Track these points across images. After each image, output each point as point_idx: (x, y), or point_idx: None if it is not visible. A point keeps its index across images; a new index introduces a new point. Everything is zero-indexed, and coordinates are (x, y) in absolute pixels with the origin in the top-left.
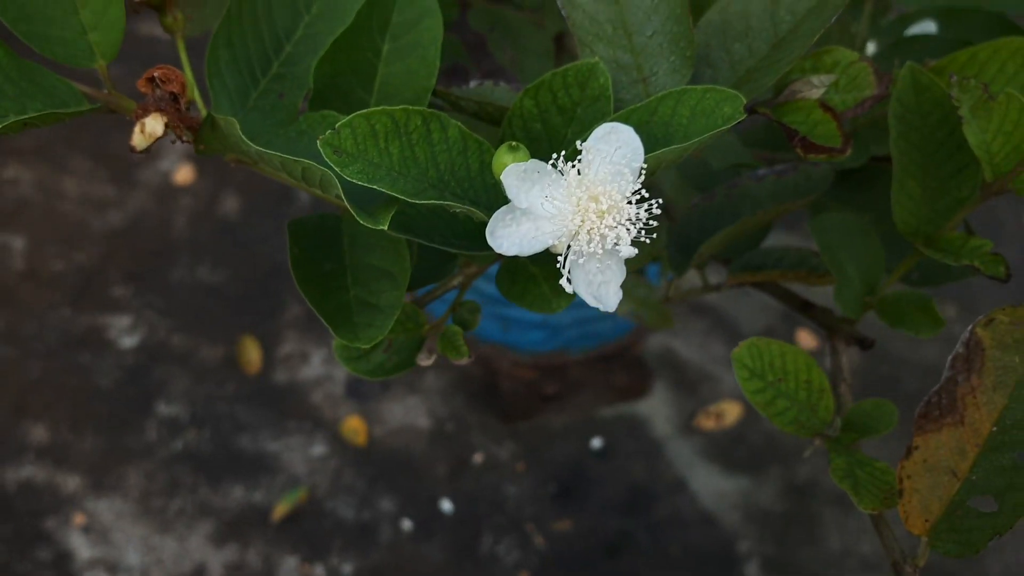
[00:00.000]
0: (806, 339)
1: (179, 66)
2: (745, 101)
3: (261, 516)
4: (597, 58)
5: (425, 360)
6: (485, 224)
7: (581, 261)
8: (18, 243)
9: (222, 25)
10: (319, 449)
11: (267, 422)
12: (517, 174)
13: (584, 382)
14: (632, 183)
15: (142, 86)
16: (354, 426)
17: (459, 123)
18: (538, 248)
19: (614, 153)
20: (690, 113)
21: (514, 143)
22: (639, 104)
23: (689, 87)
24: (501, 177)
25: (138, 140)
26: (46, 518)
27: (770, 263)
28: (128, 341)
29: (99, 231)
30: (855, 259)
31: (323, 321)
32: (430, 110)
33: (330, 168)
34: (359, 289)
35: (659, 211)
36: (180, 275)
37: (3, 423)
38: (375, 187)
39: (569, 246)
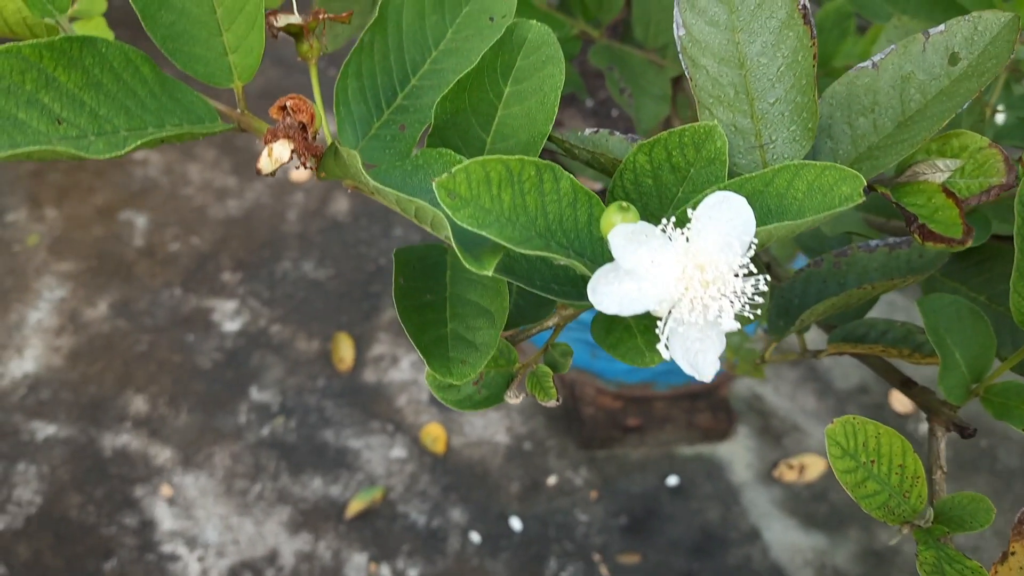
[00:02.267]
0: (900, 401)
1: (310, 91)
2: (865, 182)
3: (336, 511)
4: (715, 121)
5: (513, 398)
6: (586, 276)
7: (680, 328)
8: (141, 221)
9: (353, 56)
10: (398, 452)
11: (352, 419)
12: (625, 234)
13: (667, 418)
14: (740, 256)
15: (274, 113)
16: (434, 433)
17: (571, 176)
18: (638, 310)
19: (725, 223)
20: (807, 188)
21: (624, 204)
22: (754, 173)
23: (808, 162)
24: (608, 236)
25: (265, 164)
26: (136, 486)
27: (873, 335)
28: (231, 325)
29: (216, 218)
30: (964, 344)
31: (419, 353)
32: (545, 161)
33: (442, 210)
34: (457, 324)
35: (766, 287)
36: (286, 268)
37: (109, 390)
38: (484, 233)
39: (670, 312)
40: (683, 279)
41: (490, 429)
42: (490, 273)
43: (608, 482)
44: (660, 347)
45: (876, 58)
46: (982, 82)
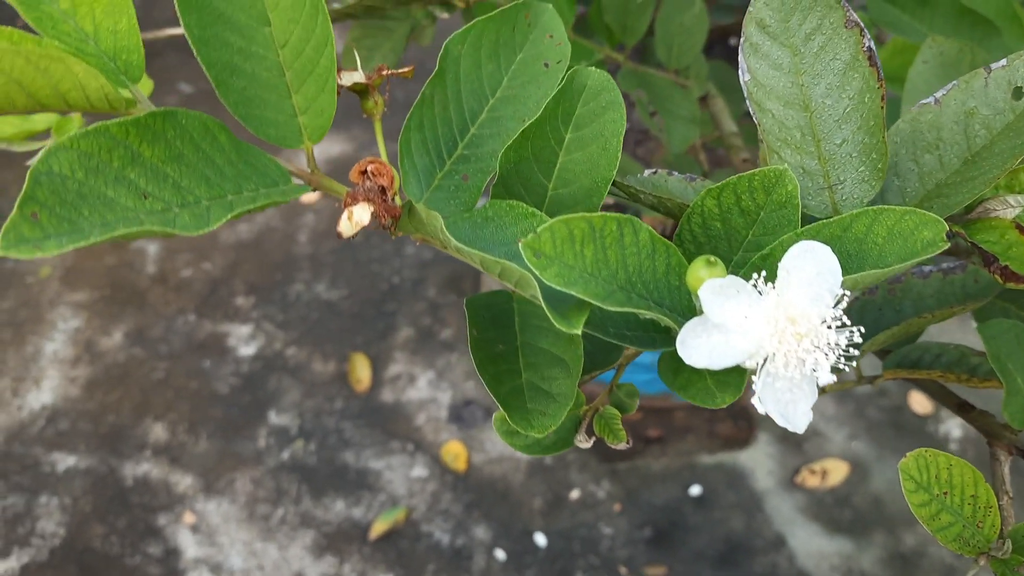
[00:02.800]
0: (920, 403)
1: (375, 145)
2: (947, 227)
3: (359, 532)
4: (785, 165)
5: (583, 442)
6: (659, 322)
7: (772, 381)
8: (152, 248)
9: (415, 109)
10: (419, 471)
11: (372, 440)
12: (714, 289)
13: (687, 427)
14: (832, 308)
15: (354, 177)
16: (455, 451)
17: (649, 228)
18: (728, 363)
19: (813, 274)
20: (887, 233)
21: (712, 258)
22: (832, 219)
23: (887, 207)
24: (698, 292)
25: (345, 227)
26: (158, 514)
27: (928, 359)
28: (246, 350)
29: (227, 242)
30: None
31: (499, 406)
32: (625, 215)
33: (527, 268)
34: (531, 373)
35: (860, 339)
36: (299, 290)
37: (127, 419)
38: (571, 291)
39: (763, 365)
40: (776, 333)
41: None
42: (579, 331)
43: (631, 494)
44: (754, 400)
45: (939, 94)
46: None
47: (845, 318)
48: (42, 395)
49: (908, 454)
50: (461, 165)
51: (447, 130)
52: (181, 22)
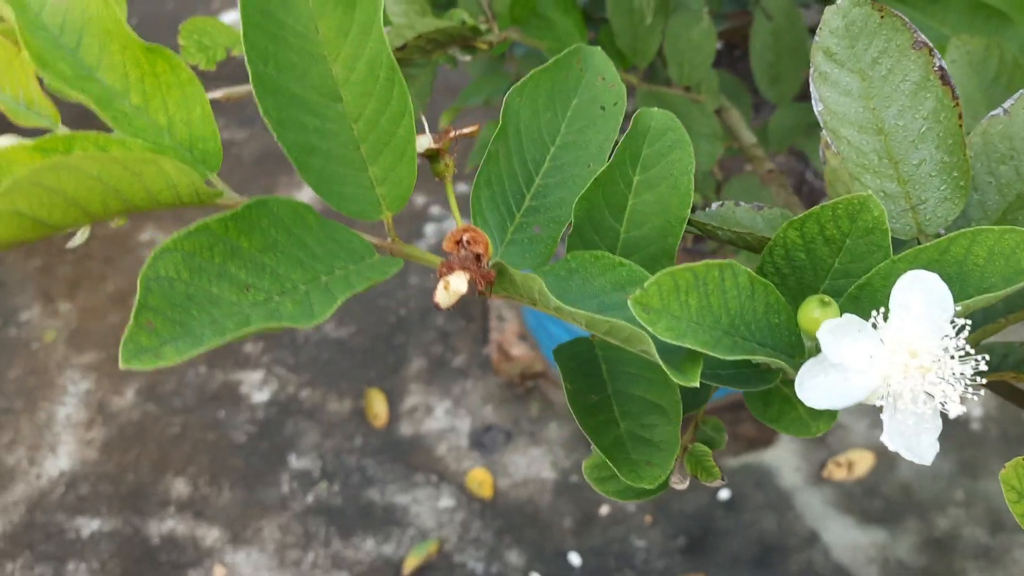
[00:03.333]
0: None
1: (447, 206)
2: None
3: (393, 569)
4: (869, 191)
5: (679, 484)
6: (752, 360)
7: (897, 416)
8: None
9: (483, 166)
10: (446, 502)
11: (395, 475)
12: (832, 330)
13: None
14: (954, 337)
15: (449, 246)
16: (479, 478)
17: (747, 269)
18: (849, 403)
19: (925, 304)
20: (987, 254)
21: (826, 298)
22: (928, 244)
23: (986, 227)
24: (816, 334)
25: (443, 298)
26: (188, 571)
27: (995, 361)
28: (260, 396)
29: None
30: None
31: (605, 458)
32: (727, 261)
33: (633, 322)
34: (629, 423)
35: (986, 367)
36: (307, 331)
37: (147, 477)
38: (682, 343)
39: (890, 402)
40: (900, 369)
41: (535, 467)
42: (697, 383)
43: (660, 505)
44: (883, 439)
45: (1007, 104)
46: None
47: (969, 347)
48: (59, 461)
49: (1007, 464)
50: (531, 217)
51: (513, 183)
52: (259, 108)
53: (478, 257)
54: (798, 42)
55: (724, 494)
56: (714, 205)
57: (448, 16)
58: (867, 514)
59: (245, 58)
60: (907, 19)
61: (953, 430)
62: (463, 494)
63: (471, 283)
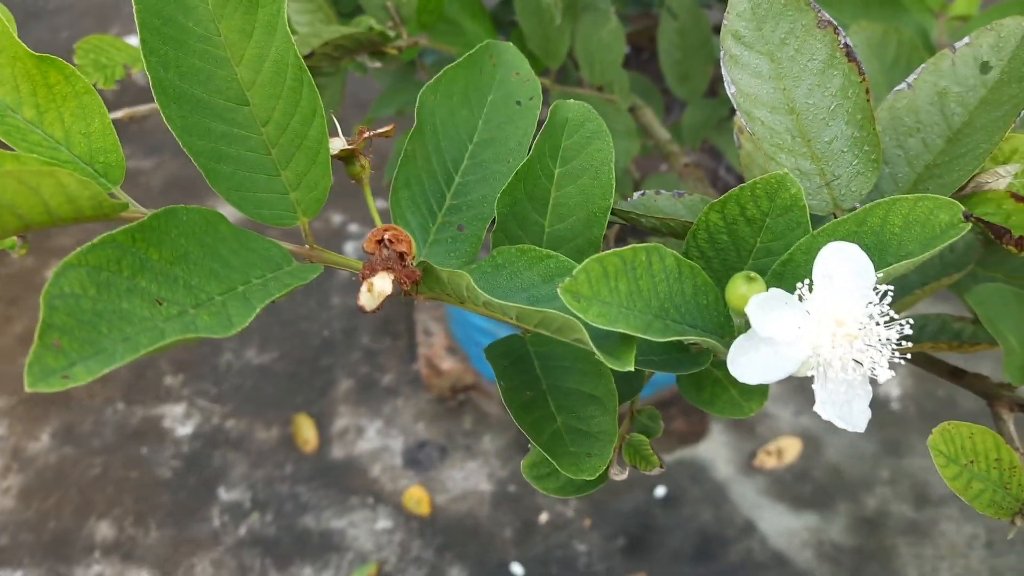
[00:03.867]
0: None
1: (367, 223)
2: (962, 208)
3: None
4: (785, 169)
5: (619, 475)
6: (682, 344)
7: (828, 385)
8: None
9: (400, 168)
10: (384, 523)
11: (329, 500)
12: (760, 304)
13: None
14: (879, 304)
15: (370, 247)
16: (416, 496)
17: (674, 252)
18: (781, 375)
19: (848, 274)
20: (903, 223)
21: (752, 274)
22: (846, 216)
23: (900, 196)
24: (745, 309)
25: (367, 300)
26: None
27: (913, 333)
28: (183, 430)
29: None
30: (1016, 328)
31: (544, 454)
32: (652, 244)
33: (568, 312)
34: (566, 416)
35: (911, 331)
36: (228, 359)
37: (69, 522)
38: (615, 328)
39: (820, 371)
40: (828, 338)
41: (471, 480)
42: (632, 368)
43: (598, 507)
44: (816, 408)
45: (910, 79)
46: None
47: (892, 312)
48: None
49: (934, 430)
50: (453, 216)
51: (433, 183)
52: (162, 115)
53: (401, 256)
54: (704, 40)
55: (660, 491)
56: (636, 195)
57: (355, 23)
58: (799, 499)
59: (145, 65)
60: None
61: (874, 411)
62: (400, 514)
63: (395, 283)
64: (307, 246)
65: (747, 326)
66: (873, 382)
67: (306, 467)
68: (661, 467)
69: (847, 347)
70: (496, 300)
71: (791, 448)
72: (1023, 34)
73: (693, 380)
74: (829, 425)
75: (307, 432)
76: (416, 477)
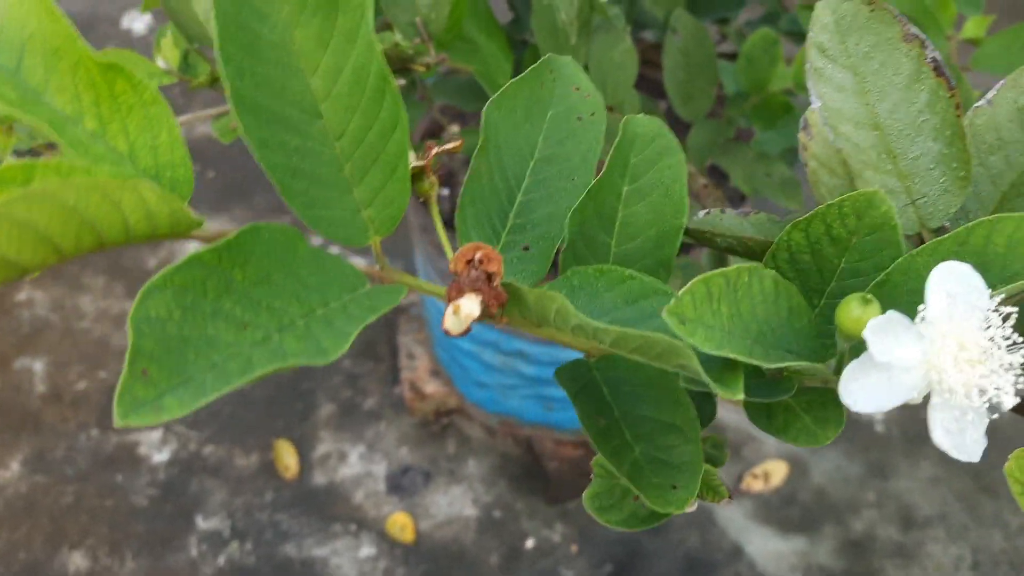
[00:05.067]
0: None
1: (432, 223)
2: None
3: None
4: (876, 187)
5: (691, 507)
6: (759, 370)
7: (943, 413)
8: (39, 366)
9: (467, 185)
10: (367, 550)
11: (311, 527)
12: (878, 329)
13: None
14: (1000, 327)
15: (459, 267)
16: (400, 522)
17: (773, 272)
18: (896, 403)
19: (964, 294)
20: (1006, 242)
21: (867, 296)
22: (946, 235)
23: (1005, 215)
24: (863, 333)
25: (453, 323)
26: None
27: None
28: (160, 456)
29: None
30: None
31: (630, 486)
32: (754, 265)
33: (678, 338)
34: (644, 445)
35: None
36: None
37: (41, 553)
38: (723, 353)
39: (941, 398)
40: (952, 363)
41: (456, 505)
42: (742, 397)
43: (585, 532)
44: (935, 437)
45: (989, 95)
46: None
47: (1016, 336)
48: None
49: (1011, 457)
50: (518, 235)
51: (496, 201)
52: (239, 127)
53: (490, 277)
54: (707, 61)
55: None
56: (700, 213)
57: (380, 39)
58: (786, 523)
59: (221, 73)
60: (897, 11)
61: (858, 433)
62: (384, 541)
63: (485, 306)
64: (378, 266)
65: (853, 351)
66: (993, 410)
67: (287, 494)
68: (729, 498)
69: (970, 373)
70: (591, 323)
71: (778, 471)
72: None
73: (764, 408)
74: (815, 448)
75: (288, 458)
76: (400, 503)
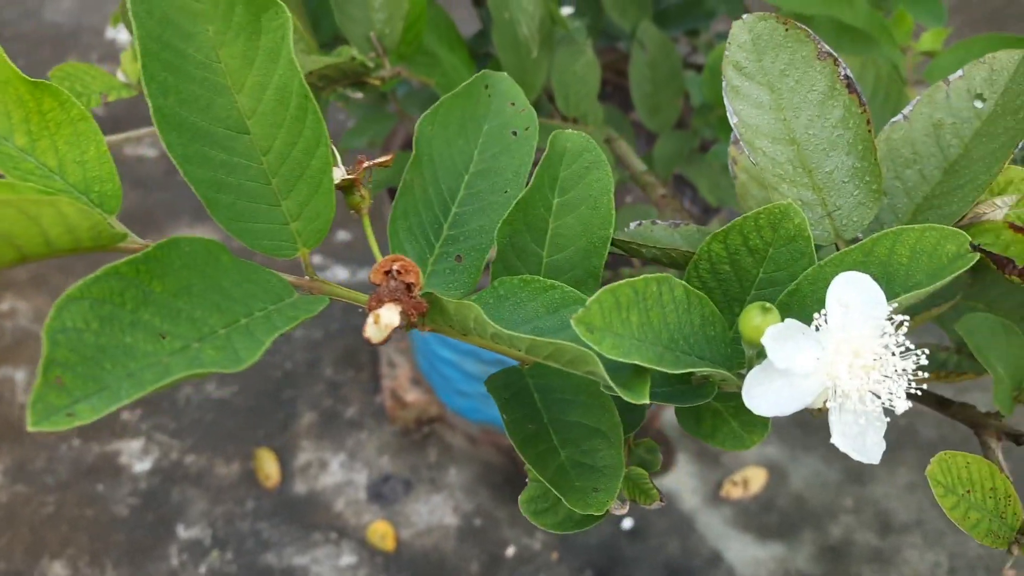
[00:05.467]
0: None
1: (364, 238)
2: (969, 239)
3: None
4: (789, 200)
5: (619, 509)
6: (686, 376)
7: (842, 417)
8: (20, 376)
9: (399, 198)
10: (348, 559)
11: (292, 536)
12: (776, 335)
13: None
14: (893, 334)
15: (377, 278)
16: (381, 531)
17: (683, 282)
18: (796, 407)
19: (861, 304)
20: (910, 253)
21: (766, 304)
22: (852, 247)
23: (907, 227)
24: (761, 340)
25: (374, 332)
26: None
27: None
28: (141, 466)
29: None
30: (1003, 358)
31: (549, 488)
32: (663, 275)
33: (585, 345)
34: (570, 450)
35: (927, 360)
36: (187, 393)
37: (21, 564)
38: (630, 360)
39: (837, 403)
40: (846, 369)
41: (436, 514)
42: (648, 401)
43: (565, 540)
44: (834, 440)
45: (906, 111)
46: (1020, 119)
47: (908, 343)
48: None
49: (932, 460)
50: (451, 246)
51: (430, 213)
52: (163, 143)
53: (409, 287)
54: (673, 73)
55: (627, 523)
56: (631, 225)
57: (336, 53)
58: (765, 529)
59: (145, 91)
60: (810, 31)
61: None
62: (365, 549)
63: (404, 315)
64: (307, 277)
65: (759, 357)
66: (889, 412)
67: (268, 503)
68: (661, 501)
69: (864, 378)
70: (505, 332)
71: (757, 478)
72: (1016, 67)
73: (692, 412)
74: (794, 455)
75: (269, 467)
76: (381, 511)
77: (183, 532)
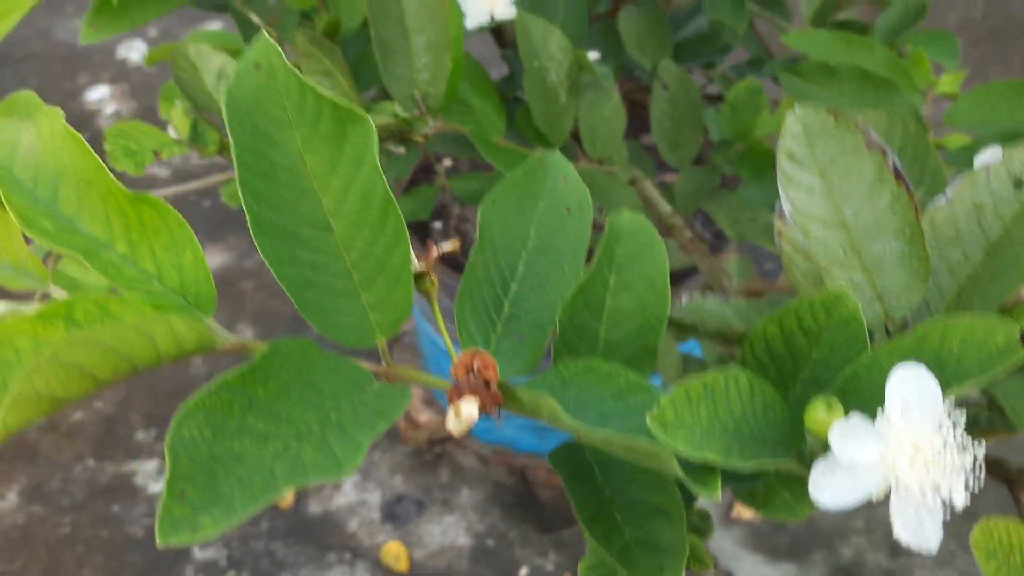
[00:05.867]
0: None
1: (433, 318)
2: (1019, 328)
3: None
4: (843, 284)
5: None
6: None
7: (902, 508)
8: None
9: (465, 279)
10: None
11: (306, 556)
12: (842, 432)
13: None
14: (954, 431)
15: (459, 373)
16: (395, 551)
17: (748, 373)
18: (860, 500)
19: (920, 398)
20: (960, 343)
21: (831, 400)
22: (905, 335)
23: (956, 316)
24: (829, 437)
25: (454, 425)
26: None
27: None
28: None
29: None
30: None
31: (621, 568)
32: (731, 370)
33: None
34: (633, 529)
35: (983, 454)
36: None
37: None
38: (703, 456)
39: (899, 496)
40: (907, 464)
41: (449, 534)
42: (719, 494)
43: (578, 561)
44: (896, 533)
45: (949, 193)
46: None
47: (967, 440)
48: None
49: (976, 527)
50: (512, 325)
51: (492, 291)
52: (258, 248)
53: (487, 382)
54: (692, 108)
55: None
56: (684, 298)
57: (379, 110)
58: (776, 550)
59: (242, 200)
60: (860, 121)
61: None
62: (379, 570)
63: (482, 408)
64: (384, 363)
65: (824, 449)
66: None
67: (282, 523)
68: (715, 567)
69: (925, 472)
70: (582, 426)
71: None
72: None
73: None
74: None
75: None
76: (394, 532)
77: (198, 553)
